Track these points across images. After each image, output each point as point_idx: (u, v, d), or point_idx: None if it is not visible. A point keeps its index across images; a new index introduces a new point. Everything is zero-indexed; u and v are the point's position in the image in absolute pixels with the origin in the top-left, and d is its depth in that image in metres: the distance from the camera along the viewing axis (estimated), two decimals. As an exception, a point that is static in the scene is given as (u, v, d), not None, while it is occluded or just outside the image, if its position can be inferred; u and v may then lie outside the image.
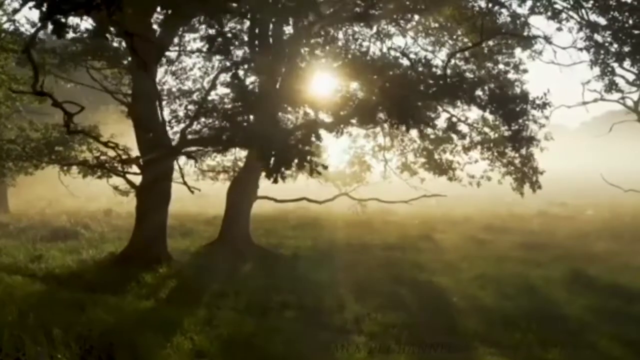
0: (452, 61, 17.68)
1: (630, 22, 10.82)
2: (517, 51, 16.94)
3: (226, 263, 12.43)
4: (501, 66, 16.98)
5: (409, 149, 18.77)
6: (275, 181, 4.07)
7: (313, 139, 3.71)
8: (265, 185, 19.89)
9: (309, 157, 3.69)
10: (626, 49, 10.91)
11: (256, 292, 9.67)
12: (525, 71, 16.72)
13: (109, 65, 13.07)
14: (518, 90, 15.00)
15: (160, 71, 16.48)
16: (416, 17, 15.52)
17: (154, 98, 11.56)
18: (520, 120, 11.73)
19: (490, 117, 14.49)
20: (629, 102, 19.49)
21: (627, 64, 12.24)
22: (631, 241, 16.01)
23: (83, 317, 7.63)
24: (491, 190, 16.58)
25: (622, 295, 9.92)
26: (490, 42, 16.61)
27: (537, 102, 11.43)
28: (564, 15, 12.53)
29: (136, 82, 11.75)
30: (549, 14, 13.11)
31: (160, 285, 10.43)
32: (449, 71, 12.97)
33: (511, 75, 16.65)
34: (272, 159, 3.64)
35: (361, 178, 20.61)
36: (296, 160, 3.69)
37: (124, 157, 11.68)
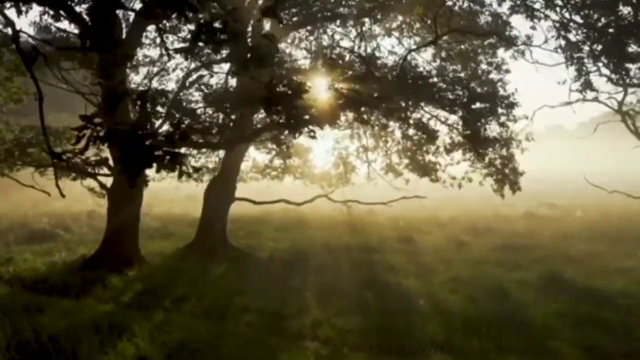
0: (438, 61, 17.66)
1: (603, 20, 10.65)
2: (500, 51, 16.82)
3: (199, 265, 12.29)
4: (484, 66, 16.85)
5: (393, 150, 18.57)
6: (134, 185, 3.91)
7: (179, 137, 3.56)
8: (251, 186, 19.84)
9: (178, 159, 3.55)
10: (599, 47, 10.74)
11: (220, 296, 9.54)
12: (507, 71, 16.58)
13: (81, 65, 12.92)
14: (502, 90, 14.84)
15: (143, 71, 16.42)
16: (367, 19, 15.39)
17: (123, 99, 11.35)
18: (483, 120, 11.53)
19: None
20: (614, 102, 19.16)
21: (603, 62, 12.00)
22: (614, 242, 15.76)
23: (35, 321, 7.51)
24: (480, 191, 16.36)
25: (593, 299, 9.74)
26: (474, 42, 16.50)
27: (506, 101, 11.26)
28: (541, 15, 12.29)
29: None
30: (528, 13, 12.88)
31: (125, 288, 10.30)
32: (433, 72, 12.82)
33: (494, 75, 16.52)
34: (132, 160, 3.50)
35: (346, 179, 20.37)
36: (163, 163, 3.55)
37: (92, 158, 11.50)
